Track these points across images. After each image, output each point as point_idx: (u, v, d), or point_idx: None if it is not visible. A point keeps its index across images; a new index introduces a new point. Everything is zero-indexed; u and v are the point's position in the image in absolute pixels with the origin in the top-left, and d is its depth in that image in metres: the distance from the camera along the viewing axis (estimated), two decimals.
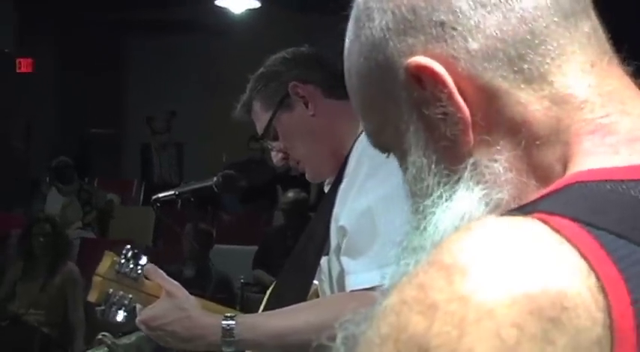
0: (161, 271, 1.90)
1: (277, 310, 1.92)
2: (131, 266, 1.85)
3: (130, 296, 1.83)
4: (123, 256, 1.86)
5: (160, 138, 11.17)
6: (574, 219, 0.62)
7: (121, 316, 1.83)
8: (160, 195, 2.44)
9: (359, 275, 1.76)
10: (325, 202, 2.02)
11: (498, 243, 0.61)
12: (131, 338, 2.14)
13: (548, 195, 0.67)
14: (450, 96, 0.71)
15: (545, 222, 0.62)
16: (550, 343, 0.57)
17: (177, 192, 2.44)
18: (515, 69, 0.72)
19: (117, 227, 8.32)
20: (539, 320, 0.57)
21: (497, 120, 0.72)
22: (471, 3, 0.72)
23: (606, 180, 0.67)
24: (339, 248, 1.84)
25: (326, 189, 2.08)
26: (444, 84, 0.71)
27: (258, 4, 9.45)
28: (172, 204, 9.36)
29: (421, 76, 0.72)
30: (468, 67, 0.71)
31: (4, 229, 6.81)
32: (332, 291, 1.95)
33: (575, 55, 0.73)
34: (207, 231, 6.16)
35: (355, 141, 1.93)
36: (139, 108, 11.57)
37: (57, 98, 11.48)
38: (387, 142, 0.82)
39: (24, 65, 10.19)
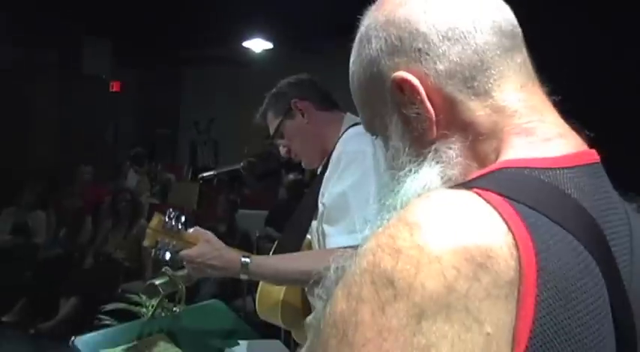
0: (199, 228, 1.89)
1: (279, 255, 1.91)
2: (173, 222, 1.83)
3: (173, 242, 1.81)
4: (167, 216, 1.84)
5: (202, 136, 11.20)
6: (499, 194, 0.60)
7: (167, 256, 1.81)
8: (204, 174, 2.41)
9: (334, 237, 1.75)
10: (315, 183, 1.98)
11: (446, 208, 0.59)
12: (184, 271, 2.14)
13: (482, 175, 0.66)
14: (422, 101, 0.70)
15: (479, 195, 0.60)
16: (478, 280, 0.55)
17: (215, 173, 2.40)
18: (468, 85, 0.70)
19: (173, 196, 8.14)
20: (471, 264, 0.55)
21: (454, 120, 0.70)
22: (440, 37, 0.70)
23: (524, 167, 0.65)
24: (322, 217, 1.83)
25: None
26: (418, 92, 0.70)
27: (271, 46, 9.42)
28: (211, 181, 9.46)
29: (402, 86, 0.70)
30: (436, 82, 0.70)
31: (100, 197, 6.81)
32: (318, 244, 1.91)
33: (511, 78, 0.71)
34: (234, 200, 6.15)
35: (337, 140, 1.90)
36: (189, 115, 11.56)
37: (135, 109, 11.49)
38: (375, 129, 0.79)
39: (114, 86, 10.18)
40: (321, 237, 1.87)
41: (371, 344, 0.54)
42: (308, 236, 1.99)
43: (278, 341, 2.18)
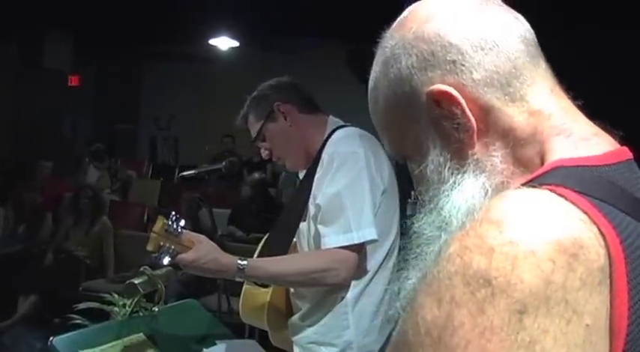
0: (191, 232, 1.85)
1: (275, 257, 1.88)
2: (174, 226, 1.80)
3: (173, 247, 1.79)
4: (170, 220, 1.80)
5: (163, 133, 11.07)
6: (571, 189, 0.61)
7: (166, 261, 1.78)
8: (185, 173, 2.34)
9: (331, 237, 1.76)
10: (302, 185, 1.98)
11: (527, 205, 0.59)
12: (162, 271, 2.12)
13: (539, 176, 0.66)
14: (463, 111, 0.69)
15: (552, 191, 0.60)
16: (572, 271, 0.55)
17: (196, 172, 2.33)
18: (505, 92, 0.70)
19: (134, 193, 8.06)
20: (564, 255, 0.55)
21: (493, 128, 0.70)
22: (474, 47, 0.70)
23: (577, 166, 0.65)
24: (316, 217, 1.83)
25: (300, 176, 2.04)
26: (458, 103, 0.69)
27: (237, 44, 9.37)
28: (172, 179, 9.35)
29: (439, 99, 0.70)
30: (473, 92, 0.70)
31: (60, 193, 6.66)
32: (308, 246, 1.92)
33: (541, 83, 0.72)
34: (198, 197, 6.09)
35: (325, 142, 1.90)
36: (149, 111, 11.41)
37: (94, 103, 11.27)
38: (405, 149, 0.77)
39: (73, 80, 9.93)
40: (311, 238, 1.88)
41: (472, 346, 0.53)
42: (294, 239, 1.99)
43: (254, 341, 2.19)
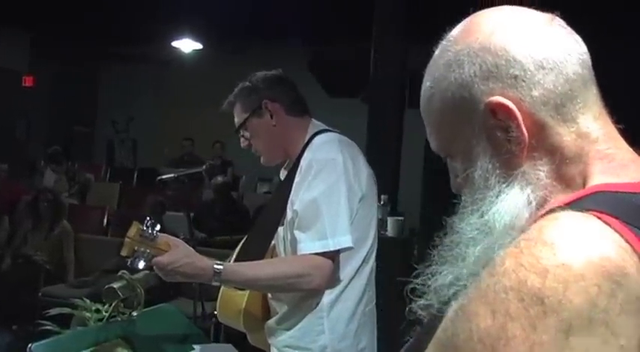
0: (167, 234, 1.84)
1: (251, 262, 1.87)
2: (150, 231, 1.78)
3: (148, 251, 1.77)
4: (145, 224, 1.78)
5: (120, 135, 10.88)
6: (614, 216, 0.64)
7: (141, 265, 1.78)
8: (164, 176, 2.34)
9: (306, 243, 1.77)
10: (281, 190, 1.97)
11: (578, 230, 0.62)
12: (140, 275, 2.10)
13: (583, 197, 0.69)
14: (518, 125, 0.72)
15: (598, 217, 0.64)
16: (614, 296, 0.58)
17: (175, 176, 2.30)
18: (558, 112, 0.73)
19: (92, 196, 7.90)
20: (608, 282, 0.58)
21: (542, 144, 0.73)
22: (536, 65, 0.73)
23: (617, 191, 0.69)
24: (292, 223, 1.83)
25: (282, 177, 2.02)
26: (515, 117, 0.72)
27: (201, 46, 9.29)
28: (131, 183, 9.20)
29: (497, 110, 0.72)
30: (530, 107, 0.72)
31: (16, 196, 6.46)
32: (285, 250, 1.91)
33: (591, 107, 0.75)
34: (161, 201, 6.02)
35: (305, 146, 1.90)
36: (107, 114, 11.19)
37: (50, 105, 10.98)
38: (453, 150, 0.80)
39: (27, 81, 9.70)
40: (288, 243, 1.88)
41: None
42: (273, 242, 1.98)
43: (231, 345, 2.16)
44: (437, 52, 0.80)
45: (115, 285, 1.98)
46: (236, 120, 1.99)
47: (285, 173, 2.00)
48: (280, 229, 1.92)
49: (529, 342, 0.57)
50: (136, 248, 1.77)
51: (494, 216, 0.72)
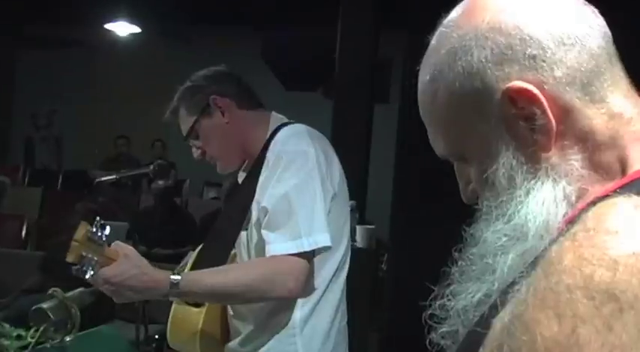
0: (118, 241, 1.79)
1: (214, 269, 1.83)
2: (99, 234, 1.73)
3: (96, 258, 1.70)
4: (94, 226, 1.74)
5: (41, 132, 10.68)
6: None
7: (88, 274, 1.71)
8: (103, 178, 2.25)
9: (277, 244, 1.74)
10: (241, 190, 1.97)
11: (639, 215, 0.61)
12: (75, 293, 2.08)
13: (629, 183, 0.69)
14: (544, 112, 0.71)
15: None
16: None
17: (117, 176, 2.21)
18: (585, 92, 0.72)
19: (8, 203, 7.59)
20: None
21: (571, 130, 0.73)
22: (556, 42, 0.72)
23: None
24: (259, 223, 1.81)
25: (239, 180, 2.03)
26: (539, 102, 0.71)
27: (139, 30, 9.19)
28: (55, 187, 9.05)
29: (516, 98, 0.72)
30: (554, 90, 0.72)
31: None
32: (249, 257, 1.90)
33: (619, 84, 0.75)
34: (94, 209, 5.92)
35: (269, 142, 1.90)
36: (25, 107, 10.97)
37: None
38: (466, 149, 0.79)
39: None
40: (253, 248, 1.87)
41: None
42: (234, 250, 1.99)
43: None
44: (434, 40, 0.80)
45: (45, 305, 1.97)
46: (183, 127, 1.99)
47: (244, 175, 2.01)
48: (243, 234, 1.91)
49: (607, 346, 0.55)
50: (84, 253, 1.70)
51: (525, 218, 0.71)
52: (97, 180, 2.32)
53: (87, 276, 1.71)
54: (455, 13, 0.79)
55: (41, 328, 1.98)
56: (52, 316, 1.94)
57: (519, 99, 0.72)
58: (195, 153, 2.00)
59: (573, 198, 0.71)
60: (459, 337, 0.73)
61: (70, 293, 2.06)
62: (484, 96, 0.74)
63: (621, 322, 0.55)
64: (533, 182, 0.73)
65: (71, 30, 9.62)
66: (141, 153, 8.97)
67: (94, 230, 1.73)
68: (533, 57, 0.72)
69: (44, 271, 5.31)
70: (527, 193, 0.72)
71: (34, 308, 1.95)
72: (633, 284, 0.56)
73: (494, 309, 0.66)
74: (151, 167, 2.31)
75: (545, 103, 0.71)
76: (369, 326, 4.22)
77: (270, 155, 1.86)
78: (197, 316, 1.93)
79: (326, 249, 1.80)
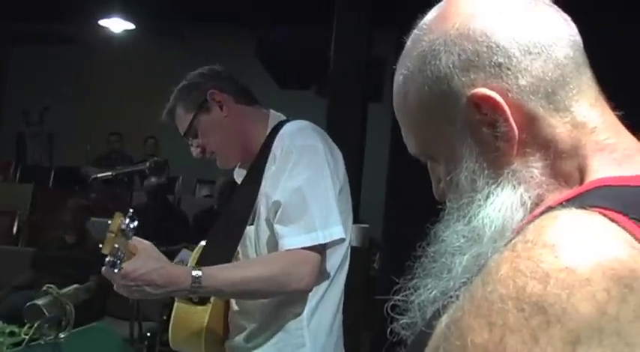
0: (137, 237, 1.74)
1: (231, 264, 1.85)
2: (130, 225, 1.69)
3: (123, 253, 1.67)
4: (128, 218, 1.69)
5: (33, 129, 10.66)
6: (621, 213, 0.63)
7: (117, 268, 1.66)
8: (99, 175, 2.25)
9: (292, 238, 1.75)
10: (244, 187, 1.97)
11: (580, 229, 0.62)
12: (70, 289, 2.08)
13: (584, 193, 0.69)
14: (507, 119, 0.72)
15: (603, 214, 0.63)
16: (626, 302, 0.57)
17: (113, 173, 2.25)
18: (550, 101, 0.74)
19: (0, 200, 7.66)
20: (619, 286, 0.58)
21: (535, 137, 0.74)
22: (522, 51, 0.73)
23: (622, 185, 0.69)
24: (269, 218, 1.82)
25: (236, 178, 2.04)
26: (502, 110, 0.72)
27: (132, 26, 9.17)
28: (46, 184, 9.03)
29: (481, 104, 0.73)
30: (517, 98, 0.73)
31: None
32: (257, 252, 1.91)
33: (586, 93, 0.76)
34: (86, 205, 5.92)
35: (272, 135, 1.91)
36: (17, 103, 10.93)
37: None
38: (434, 151, 0.81)
39: None
40: (263, 243, 1.88)
41: None
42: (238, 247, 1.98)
43: None
44: (409, 42, 0.81)
45: (40, 302, 1.97)
46: (181, 126, 1.99)
47: (243, 172, 2.01)
48: (249, 229, 1.92)
49: None
50: (116, 245, 1.66)
51: (483, 221, 0.72)
52: (93, 176, 2.31)
53: (116, 270, 1.64)
54: (429, 16, 0.80)
55: (35, 325, 1.98)
56: (46, 312, 1.94)
57: (483, 106, 0.73)
58: (195, 151, 2.00)
59: (529, 205, 0.73)
60: (417, 329, 0.75)
61: (64, 290, 2.06)
62: (451, 101, 0.76)
63: (547, 334, 0.57)
64: (493, 187, 0.74)
65: (64, 26, 9.59)
66: (133, 149, 8.94)
67: (127, 222, 1.69)
68: (499, 65, 0.73)
69: (35, 267, 5.32)
70: (487, 197, 0.74)
71: (28, 304, 1.95)
72: (562, 298, 0.57)
73: (437, 312, 0.68)
74: (147, 164, 2.31)
75: (508, 111, 0.73)
76: (362, 325, 4.23)
77: (277, 150, 1.87)
78: (202, 314, 1.92)
79: (340, 241, 1.82)
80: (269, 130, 1.96)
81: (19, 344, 2.05)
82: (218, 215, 6.04)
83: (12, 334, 2.11)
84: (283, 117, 2.03)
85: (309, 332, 1.88)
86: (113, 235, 1.65)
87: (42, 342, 1.98)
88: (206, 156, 1.99)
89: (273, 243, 1.82)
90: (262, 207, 1.87)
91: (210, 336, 1.93)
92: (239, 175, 2.05)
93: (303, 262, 1.76)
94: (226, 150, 1.98)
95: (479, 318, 0.60)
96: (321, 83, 6.90)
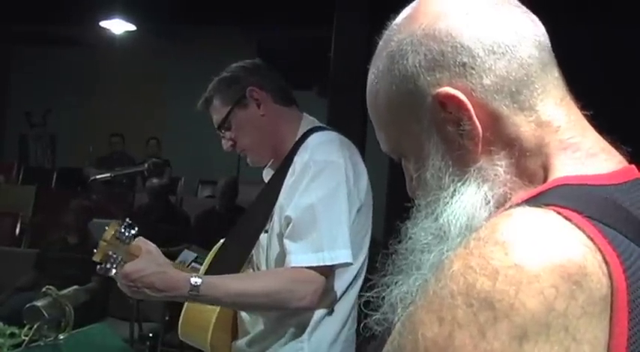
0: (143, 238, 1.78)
1: (233, 275, 1.84)
2: (126, 233, 1.75)
3: (121, 257, 1.72)
4: (123, 226, 1.75)
5: (36, 130, 10.66)
6: (575, 211, 0.65)
7: (112, 272, 1.72)
8: (98, 176, 2.27)
9: (299, 255, 1.74)
10: (267, 192, 1.96)
11: (533, 227, 0.63)
12: (69, 291, 2.08)
13: (545, 191, 0.71)
14: (470, 118, 0.74)
15: (558, 212, 0.65)
16: (574, 299, 0.59)
17: (112, 175, 2.24)
18: (514, 100, 0.75)
19: (2, 201, 7.61)
20: (567, 283, 0.59)
21: (499, 136, 0.75)
22: (486, 51, 0.74)
23: (583, 184, 0.70)
24: (281, 232, 1.81)
25: (265, 177, 2.03)
26: (466, 108, 0.74)
27: (134, 28, 9.17)
28: (49, 185, 9.03)
29: (446, 102, 0.74)
30: (482, 97, 0.74)
31: None
32: (267, 263, 1.90)
33: (551, 92, 0.77)
34: (89, 207, 5.92)
35: (298, 144, 1.89)
36: (20, 105, 10.94)
37: None
38: (402, 149, 0.82)
39: None
40: (272, 253, 1.87)
41: None
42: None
43: None
44: (381, 42, 0.82)
45: (39, 303, 1.96)
46: (215, 117, 1.97)
47: (271, 172, 2.00)
48: (263, 236, 1.90)
49: (479, 351, 0.58)
50: (110, 252, 1.73)
51: (449, 219, 0.74)
52: (92, 178, 2.32)
53: (111, 274, 1.71)
54: (399, 18, 0.81)
55: (35, 326, 1.97)
56: (45, 314, 1.94)
57: (448, 105, 0.74)
58: (226, 144, 1.98)
59: (492, 203, 0.74)
60: (390, 325, 0.76)
61: (64, 291, 2.06)
62: (417, 100, 0.77)
63: (494, 329, 0.58)
64: (459, 184, 0.75)
65: (66, 28, 9.59)
66: (135, 150, 8.94)
67: (122, 230, 1.75)
68: (463, 64, 0.74)
69: (38, 269, 5.31)
70: (453, 195, 0.75)
71: (27, 305, 1.94)
72: (510, 294, 0.59)
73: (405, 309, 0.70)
74: (146, 165, 2.31)
75: (472, 110, 0.74)
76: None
77: (298, 160, 1.85)
78: (211, 311, 1.93)
79: (346, 264, 1.79)
80: (299, 135, 1.93)
81: (19, 345, 2.04)
82: (220, 216, 6.01)
83: (12, 335, 2.11)
84: (316, 123, 2.00)
85: (309, 345, 1.86)
86: (104, 244, 1.70)
87: (41, 343, 1.97)
88: (236, 151, 1.98)
89: (283, 257, 1.80)
90: (276, 218, 1.86)
91: (217, 333, 1.93)
92: (267, 175, 2.03)
93: (308, 281, 1.74)
94: (257, 149, 1.97)
95: (430, 313, 0.61)
96: (322, 84, 6.90)
